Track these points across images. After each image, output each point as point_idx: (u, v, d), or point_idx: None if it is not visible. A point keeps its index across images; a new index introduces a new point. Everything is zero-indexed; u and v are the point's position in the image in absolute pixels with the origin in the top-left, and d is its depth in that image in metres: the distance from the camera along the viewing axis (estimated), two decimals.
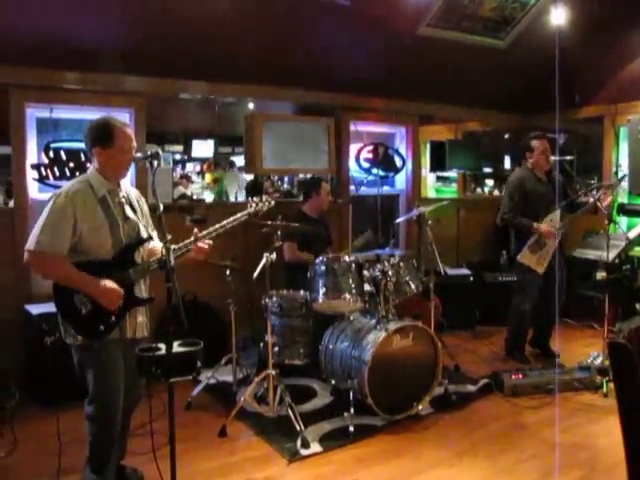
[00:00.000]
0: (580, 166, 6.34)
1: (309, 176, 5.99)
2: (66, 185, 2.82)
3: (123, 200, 2.90)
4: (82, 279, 2.70)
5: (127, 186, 3.03)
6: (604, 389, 4.31)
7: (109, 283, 2.71)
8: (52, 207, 2.70)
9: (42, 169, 4.58)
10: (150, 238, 2.95)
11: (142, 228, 2.93)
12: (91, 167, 2.88)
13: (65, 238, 2.67)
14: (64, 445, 3.23)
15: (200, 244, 2.95)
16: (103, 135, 2.79)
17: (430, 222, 4.92)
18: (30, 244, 2.67)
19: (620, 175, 6.06)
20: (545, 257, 4.88)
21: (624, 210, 6.24)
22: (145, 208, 3.08)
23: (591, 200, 4.72)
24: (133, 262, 2.84)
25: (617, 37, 5.93)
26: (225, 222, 3.06)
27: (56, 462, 3.13)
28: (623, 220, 6.27)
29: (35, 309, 4.17)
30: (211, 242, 2.99)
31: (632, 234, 4.95)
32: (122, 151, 2.80)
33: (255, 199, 3.30)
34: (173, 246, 2.72)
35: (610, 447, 3.40)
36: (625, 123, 6.11)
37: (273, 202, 3.34)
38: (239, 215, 3.13)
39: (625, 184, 5.87)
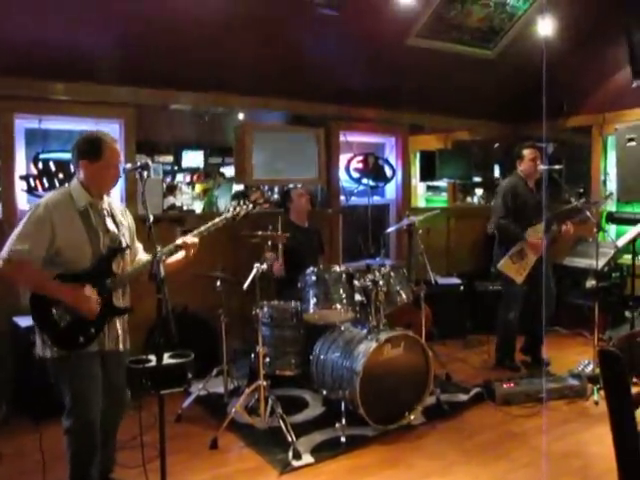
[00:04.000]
0: (569, 175, 6.39)
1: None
2: (46, 196, 2.82)
3: (105, 212, 2.89)
4: (57, 287, 2.68)
5: (111, 200, 3.02)
6: (595, 397, 4.32)
7: (86, 290, 2.69)
8: (30, 217, 2.69)
9: (31, 180, 4.56)
10: (128, 247, 2.93)
11: (123, 240, 2.91)
12: (74, 179, 2.87)
13: (40, 248, 2.65)
14: (51, 460, 3.18)
15: (187, 239, 2.96)
16: (92, 149, 2.79)
17: (420, 232, 4.94)
18: (4, 252, 2.64)
19: (607, 192, 6.12)
20: (525, 268, 4.90)
21: (613, 218, 6.29)
22: (130, 222, 3.07)
23: (584, 212, 4.75)
24: (111, 272, 2.83)
25: (603, 47, 6.00)
26: (203, 228, 3.07)
27: (41, 478, 3.09)
28: (612, 228, 6.31)
29: (23, 321, 4.12)
30: (196, 240, 2.99)
31: (621, 242, 4.98)
32: (109, 166, 2.81)
33: (233, 203, 3.33)
34: (159, 248, 2.71)
35: (602, 455, 3.40)
36: (612, 132, 6.17)
37: (251, 206, 3.33)
38: (217, 220, 3.14)
39: (614, 196, 5.93)
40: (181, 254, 2.97)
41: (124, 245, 2.90)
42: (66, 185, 2.94)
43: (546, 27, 5.18)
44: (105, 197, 2.93)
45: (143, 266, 2.85)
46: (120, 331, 2.93)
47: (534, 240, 4.83)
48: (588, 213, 4.70)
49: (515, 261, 4.90)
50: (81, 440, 2.79)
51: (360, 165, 6.43)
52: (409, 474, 3.42)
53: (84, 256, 2.75)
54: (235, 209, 3.25)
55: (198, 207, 9.04)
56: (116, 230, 2.90)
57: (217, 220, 3.13)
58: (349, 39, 5.12)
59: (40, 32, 4.07)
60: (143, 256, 3.06)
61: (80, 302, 2.68)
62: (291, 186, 5.45)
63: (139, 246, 3.11)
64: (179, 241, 2.94)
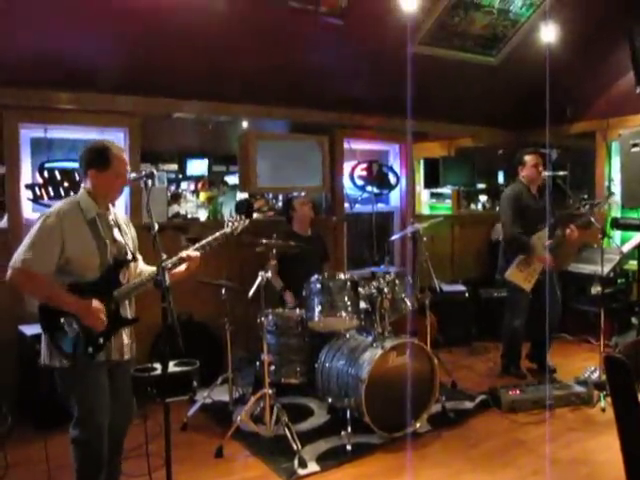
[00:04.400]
0: (573, 181, 6.38)
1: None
2: (55, 206, 2.81)
3: (112, 223, 2.90)
4: (66, 299, 2.67)
5: (116, 211, 3.04)
6: (602, 404, 4.30)
7: (94, 303, 2.69)
8: (40, 227, 2.68)
9: (36, 189, 4.58)
10: (135, 259, 2.95)
11: (129, 251, 2.93)
12: (81, 189, 2.88)
13: (52, 258, 2.65)
14: (57, 469, 3.18)
15: (190, 252, 2.98)
16: (100, 158, 2.80)
17: (425, 239, 4.93)
18: (16, 262, 2.63)
19: (608, 192, 6.12)
20: (533, 275, 4.89)
21: (618, 224, 6.27)
22: (133, 233, 3.09)
23: (586, 215, 4.76)
24: (118, 283, 2.83)
25: (607, 53, 6.00)
26: (205, 242, 3.09)
27: None
28: (617, 234, 6.29)
29: (29, 330, 4.13)
30: (198, 253, 3.01)
31: (626, 248, 4.98)
32: (117, 175, 2.82)
33: (231, 218, 3.36)
34: (164, 257, 2.72)
35: (609, 462, 3.38)
36: (616, 138, 6.16)
37: (247, 221, 3.37)
38: (217, 234, 3.16)
39: (617, 198, 5.92)
40: (183, 266, 2.99)
41: (130, 256, 2.91)
42: (72, 195, 2.95)
43: (549, 34, 5.19)
44: (111, 207, 2.94)
45: (149, 276, 2.86)
46: (126, 340, 2.92)
47: (542, 256, 4.82)
48: (592, 219, 4.70)
49: (522, 269, 4.89)
50: (89, 450, 2.77)
51: (364, 172, 6.44)
52: None
53: (92, 266, 2.75)
54: (233, 224, 3.30)
55: (203, 215, 9.05)
56: (123, 241, 2.91)
57: (217, 234, 3.16)
58: (352, 47, 5.14)
59: (45, 42, 4.09)
60: (144, 267, 3.07)
61: (88, 315, 2.68)
62: (295, 194, 5.46)
63: (139, 257, 3.12)
64: (183, 254, 2.96)
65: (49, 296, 2.69)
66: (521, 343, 5.16)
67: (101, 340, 2.75)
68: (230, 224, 3.29)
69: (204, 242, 3.09)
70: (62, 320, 2.68)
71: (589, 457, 3.64)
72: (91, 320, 2.69)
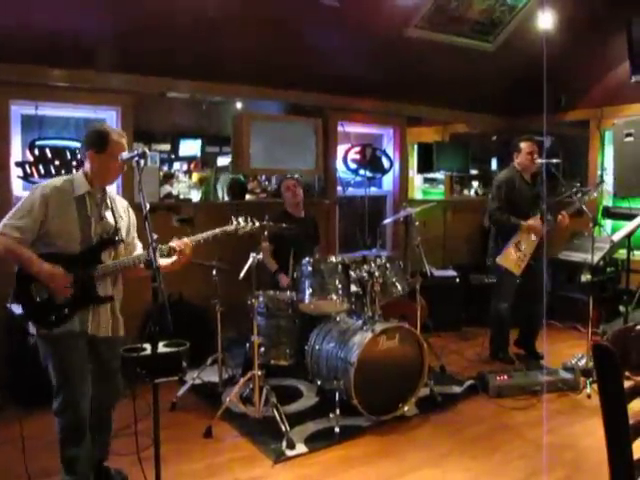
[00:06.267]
0: (566, 169, 6.39)
1: None
2: (48, 180, 2.91)
3: (103, 203, 2.94)
4: (34, 263, 2.71)
5: (115, 195, 3.08)
6: (588, 390, 4.34)
7: (58, 270, 2.73)
8: (28, 197, 2.79)
9: (27, 167, 4.54)
10: (121, 241, 2.95)
11: (119, 233, 2.94)
12: (80, 170, 2.95)
13: (32, 226, 2.72)
14: (45, 446, 3.17)
15: (182, 243, 2.97)
16: (98, 141, 2.85)
17: (417, 223, 4.94)
18: None
19: (599, 180, 6.13)
20: (523, 259, 4.92)
21: (609, 213, 6.29)
22: (132, 219, 3.11)
23: (576, 202, 4.79)
24: (99, 260, 2.86)
25: (603, 42, 5.99)
26: (204, 235, 3.13)
27: (36, 464, 3.08)
28: (608, 223, 6.32)
29: (18, 308, 4.10)
30: (188, 241, 3.01)
31: (616, 237, 4.99)
32: (113, 158, 2.86)
33: (240, 219, 3.39)
34: (155, 237, 2.72)
35: (593, 447, 3.42)
36: (610, 127, 6.17)
37: (257, 224, 3.43)
38: (217, 230, 3.22)
39: (607, 186, 5.94)
40: (173, 258, 2.98)
41: (117, 238, 2.93)
42: (68, 171, 3.00)
43: (546, 21, 5.16)
44: (109, 192, 2.99)
45: (131, 259, 2.90)
46: (105, 317, 2.94)
47: (532, 222, 4.84)
48: (584, 207, 4.72)
49: (514, 253, 4.91)
50: (67, 420, 2.81)
51: (357, 156, 6.43)
52: (402, 465, 3.44)
53: (73, 242, 2.80)
54: (239, 223, 3.35)
55: (195, 196, 9.01)
56: (112, 221, 2.93)
57: (217, 231, 3.21)
58: (349, 29, 5.10)
59: (38, 17, 4.04)
60: (140, 252, 3.07)
61: (51, 279, 2.72)
62: (289, 176, 5.45)
63: (138, 243, 3.13)
64: (173, 244, 2.95)
65: (20, 259, 2.75)
66: (509, 328, 5.19)
67: (66, 311, 2.80)
68: (235, 223, 3.33)
69: (204, 235, 3.11)
70: (32, 286, 2.76)
71: (574, 442, 3.68)
72: (53, 284, 2.74)
